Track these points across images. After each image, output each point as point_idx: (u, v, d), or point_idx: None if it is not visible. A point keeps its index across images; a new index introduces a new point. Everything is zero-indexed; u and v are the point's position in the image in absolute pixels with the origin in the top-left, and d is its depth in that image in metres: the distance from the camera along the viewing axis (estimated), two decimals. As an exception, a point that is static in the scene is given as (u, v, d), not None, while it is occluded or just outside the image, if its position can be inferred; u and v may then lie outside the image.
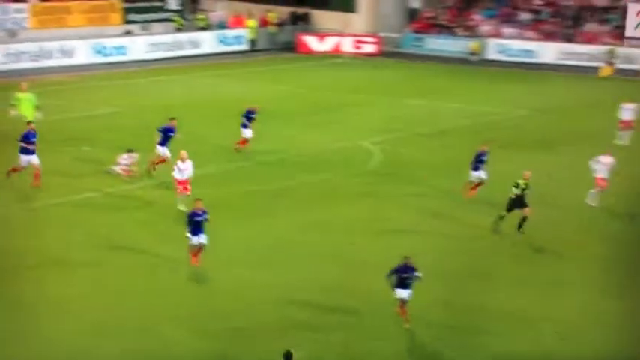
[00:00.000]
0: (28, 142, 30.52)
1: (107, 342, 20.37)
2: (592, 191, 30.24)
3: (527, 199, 27.47)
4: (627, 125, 38.58)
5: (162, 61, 61.21)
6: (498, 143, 36.43)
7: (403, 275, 21.45)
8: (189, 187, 28.70)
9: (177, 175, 28.70)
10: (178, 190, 28.78)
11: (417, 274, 21.51)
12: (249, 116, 35.72)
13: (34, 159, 30.59)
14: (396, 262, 21.54)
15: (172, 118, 32.33)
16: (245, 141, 35.92)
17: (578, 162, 32.98)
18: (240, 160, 30.06)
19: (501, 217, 27.73)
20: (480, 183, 30.62)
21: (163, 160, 31.88)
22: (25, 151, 30.59)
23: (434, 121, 43.81)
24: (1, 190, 30.55)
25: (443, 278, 23.96)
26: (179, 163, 28.76)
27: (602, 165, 30.35)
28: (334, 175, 33.83)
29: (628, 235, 28.36)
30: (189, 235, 24.22)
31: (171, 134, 31.85)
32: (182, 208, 28.18)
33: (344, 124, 42.76)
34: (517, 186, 27.53)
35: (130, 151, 32.48)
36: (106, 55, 60.17)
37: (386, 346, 20.59)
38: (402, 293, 21.50)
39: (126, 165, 32.31)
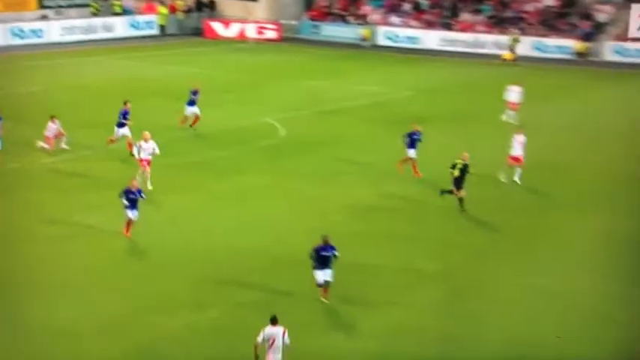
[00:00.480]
0: None
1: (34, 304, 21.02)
2: (506, 167, 30.58)
3: (465, 181, 27.29)
4: (514, 106, 40.03)
5: (78, 44, 61.24)
6: (386, 120, 38.28)
7: (322, 254, 21.46)
8: (148, 166, 29.16)
9: (140, 154, 29.13)
10: (141, 169, 29.10)
11: (335, 252, 21.50)
12: (193, 96, 36.58)
13: None
14: (302, 226, 22.36)
15: (126, 102, 33.11)
16: (185, 119, 36.99)
17: (458, 137, 34.75)
18: (155, 137, 30.70)
19: (445, 192, 27.74)
20: (409, 159, 31.06)
21: (114, 141, 33.07)
22: None
23: (332, 100, 45.30)
24: None
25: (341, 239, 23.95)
26: (142, 142, 29.25)
27: (518, 143, 30.50)
28: (242, 149, 34.86)
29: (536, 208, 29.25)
30: (126, 210, 24.87)
31: (127, 116, 32.89)
32: (150, 186, 28.74)
33: (250, 103, 43.70)
34: (454, 166, 27.28)
35: (52, 117, 32.80)
36: (23, 38, 60.11)
37: (299, 303, 21.39)
38: (324, 276, 21.42)
39: (52, 133, 32.71)
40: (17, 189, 29.32)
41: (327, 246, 21.62)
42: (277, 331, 17.44)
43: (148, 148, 29.29)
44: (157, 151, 29.43)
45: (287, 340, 17.45)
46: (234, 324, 20.33)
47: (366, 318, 20.95)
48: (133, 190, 25.01)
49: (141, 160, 29.29)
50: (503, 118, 40.18)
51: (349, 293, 21.92)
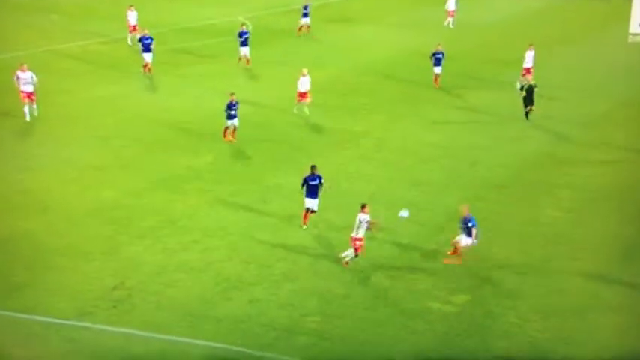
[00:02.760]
0: None
1: None
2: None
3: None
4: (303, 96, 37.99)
5: None
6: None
7: (311, 183, 25.32)
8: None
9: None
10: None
11: (322, 181, 25.53)
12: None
13: None
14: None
15: None
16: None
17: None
18: None
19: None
20: (233, 128, 34.31)
21: None
22: None
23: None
24: None
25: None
26: (19, 72, 33.40)
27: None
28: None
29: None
30: None
31: None
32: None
33: None
34: (522, 88, 36.93)
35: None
36: None
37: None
38: (310, 203, 25.58)
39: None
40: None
41: (315, 176, 25.47)
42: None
43: (25, 77, 33.98)
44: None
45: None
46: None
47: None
48: None
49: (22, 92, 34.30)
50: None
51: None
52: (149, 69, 43.44)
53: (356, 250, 23.41)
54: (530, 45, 43.19)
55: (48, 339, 20.32)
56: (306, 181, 25.73)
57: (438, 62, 42.57)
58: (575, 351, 20.32)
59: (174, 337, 20.32)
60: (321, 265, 24.25)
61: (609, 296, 22.92)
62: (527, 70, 42.28)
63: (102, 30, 53.03)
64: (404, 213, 25.00)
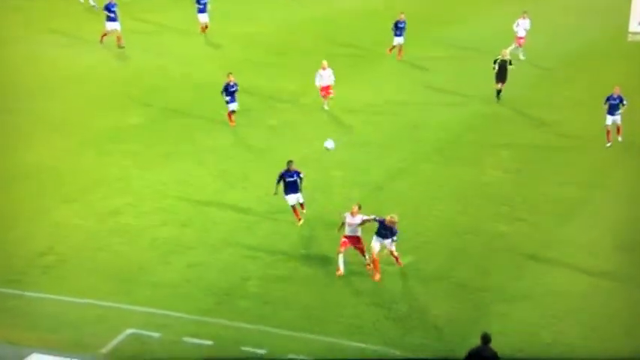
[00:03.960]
0: None
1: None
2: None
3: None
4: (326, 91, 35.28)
5: None
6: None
7: (289, 180, 23.48)
8: None
9: None
10: None
11: (301, 175, 23.65)
12: None
13: None
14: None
15: None
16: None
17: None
18: None
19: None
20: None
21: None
22: None
23: None
24: None
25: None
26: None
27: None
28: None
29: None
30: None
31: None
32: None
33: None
34: (495, 62, 34.41)
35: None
36: None
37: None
38: (293, 198, 23.59)
39: None
40: None
41: (292, 172, 23.50)
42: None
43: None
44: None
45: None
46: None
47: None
48: None
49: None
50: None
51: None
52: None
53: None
54: (524, 12, 40.98)
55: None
56: (282, 177, 23.76)
57: (400, 32, 39.93)
58: (510, 307, 20.33)
59: (111, 304, 19.72)
60: (260, 227, 23.79)
61: (549, 255, 23.00)
62: (520, 40, 40.38)
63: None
64: (329, 143, 24.64)
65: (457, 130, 32.10)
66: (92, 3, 46.63)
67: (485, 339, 16.39)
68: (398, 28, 40.11)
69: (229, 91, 30.81)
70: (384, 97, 35.26)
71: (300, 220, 23.71)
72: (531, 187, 27.31)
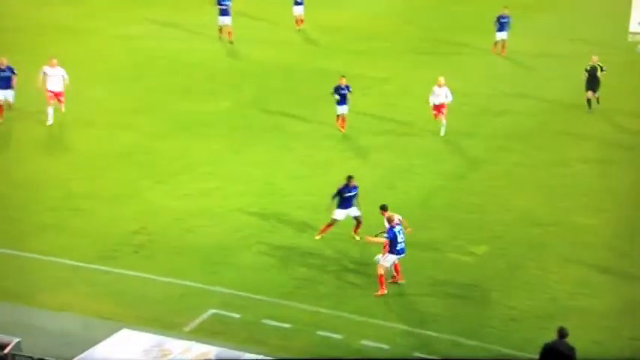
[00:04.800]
0: None
1: None
2: None
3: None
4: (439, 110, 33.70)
5: None
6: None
7: (346, 195, 22.49)
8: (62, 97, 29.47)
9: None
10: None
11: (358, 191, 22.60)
12: None
13: None
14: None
15: None
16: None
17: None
18: None
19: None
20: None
21: None
22: None
23: None
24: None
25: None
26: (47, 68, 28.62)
27: None
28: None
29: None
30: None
31: None
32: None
33: None
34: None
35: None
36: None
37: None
38: (341, 215, 22.56)
39: None
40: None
41: (351, 187, 22.53)
42: None
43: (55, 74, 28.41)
44: None
45: None
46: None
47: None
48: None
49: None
50: None
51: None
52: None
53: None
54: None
55: (70, 283, 20.60)
56: (340, 193, 22.57)
57: (502, 27, 38.27)
58: (595, 303, 20.34)
59: (193, 284, 20.53)
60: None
61: (634, 249, 22.84)
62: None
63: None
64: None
65: (541, 120, 31.95)
66: None
67: (562, 333, 16.01)
68: (501, 23, 38.31)
69: (340, 93, 29.61)
70: (464, 82, 35.19)
71: (356, 233, 22.87)
72: (615, 178, 27.08)
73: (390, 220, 20.61)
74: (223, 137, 29.54)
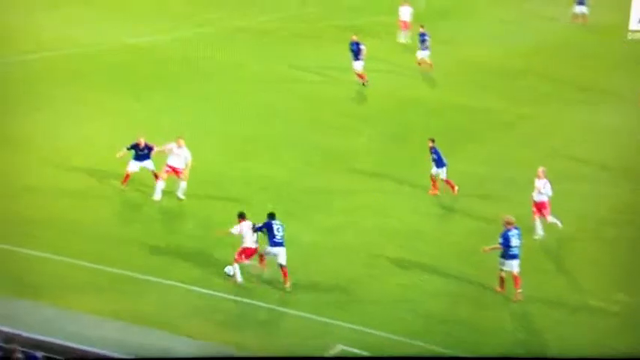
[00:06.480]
0: None
1: None
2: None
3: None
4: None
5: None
6: None
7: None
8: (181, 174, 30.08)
9: None
10: None
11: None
12: None
13: None
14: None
15: None
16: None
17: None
18: None
19: None
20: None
21: None
22: None
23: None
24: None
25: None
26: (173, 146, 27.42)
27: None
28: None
29: None
30: None
31: None
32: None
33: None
34: None
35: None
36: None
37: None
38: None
39: None
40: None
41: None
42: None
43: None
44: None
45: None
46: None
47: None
48: None
49: None
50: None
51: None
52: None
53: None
54: None
55: (203, 312, 20.94)
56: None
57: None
58: None
59: (325, 319, 20.60)
60: (475, 255, 23.75)
61: None
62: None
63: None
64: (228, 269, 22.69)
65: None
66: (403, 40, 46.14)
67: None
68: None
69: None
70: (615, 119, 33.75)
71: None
72: None
73: (507, 223, 20.33)
74: (359, 172, 29.67)
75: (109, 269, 22.26)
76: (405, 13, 46.28)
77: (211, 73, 39.96)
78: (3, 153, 29.38)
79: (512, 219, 21.17)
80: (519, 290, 21.45)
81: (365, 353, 19.23)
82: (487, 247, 21.55)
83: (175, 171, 27.14)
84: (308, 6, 53.13)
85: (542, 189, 24.59)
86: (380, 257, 23.71)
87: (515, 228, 21.13)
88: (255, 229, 22.06)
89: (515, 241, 21.03)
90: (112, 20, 47.00)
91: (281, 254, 21.91)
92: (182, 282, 21.98)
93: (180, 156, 27.09)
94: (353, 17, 51.00)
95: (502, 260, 21.40)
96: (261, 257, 22.51)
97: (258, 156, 30.96)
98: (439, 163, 27.75)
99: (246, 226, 22.04)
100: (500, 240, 21.26)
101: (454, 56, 43.55)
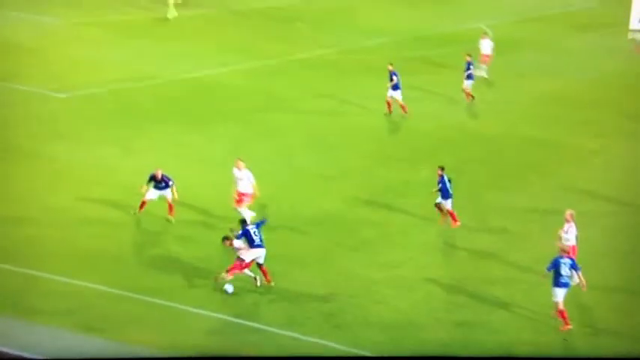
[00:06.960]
0: None
1: None
2: None
3: None
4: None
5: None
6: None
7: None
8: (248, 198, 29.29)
9: None
10: None
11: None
12: None
13: None
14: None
15: None
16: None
17: None
18: None
19: None
20: None
21: None
22: None
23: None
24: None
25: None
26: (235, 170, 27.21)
27: None
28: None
29: None
30: None
31: None
32: None
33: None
34: None
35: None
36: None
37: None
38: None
39: None
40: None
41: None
42: None
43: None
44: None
45: None
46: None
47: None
48: None
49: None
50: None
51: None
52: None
53: None
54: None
55: (261, 346, 20.72)
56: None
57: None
58: None
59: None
60: (537, 290, 23.11)
61: None
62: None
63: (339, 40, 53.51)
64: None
65: None
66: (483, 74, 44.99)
67: None
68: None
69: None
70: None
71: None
72: None
73: (561, 250, 20.76)
74: (420, 207, 29.22)
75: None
76: (486, 46, 45.44)
77: (271, 107, 40.04)
78: (68, 186, 29.71)
79: (566, 248, 20.78)
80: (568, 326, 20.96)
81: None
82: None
83: (244, 196, 26.49)
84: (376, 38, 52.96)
85: (566, 233, 23.34)
86: (435, 294, 23.34)
87: (570, 258, 20.50)
88: (237, 237, 23.19)
89: (565, 270, 20.37)
90: (175, 55, 47.60)
91: (262, 255, 23.14)
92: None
93: (243, 179, 26.56)
94: (419, 48, 50.99)
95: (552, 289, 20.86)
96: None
97: (322, 186, 30.67)
98: (445, 194, 27.22)
99: (237, 243, 23.20)
100: (549, 265, 20.84)
101: (525, 89, 43.15)
